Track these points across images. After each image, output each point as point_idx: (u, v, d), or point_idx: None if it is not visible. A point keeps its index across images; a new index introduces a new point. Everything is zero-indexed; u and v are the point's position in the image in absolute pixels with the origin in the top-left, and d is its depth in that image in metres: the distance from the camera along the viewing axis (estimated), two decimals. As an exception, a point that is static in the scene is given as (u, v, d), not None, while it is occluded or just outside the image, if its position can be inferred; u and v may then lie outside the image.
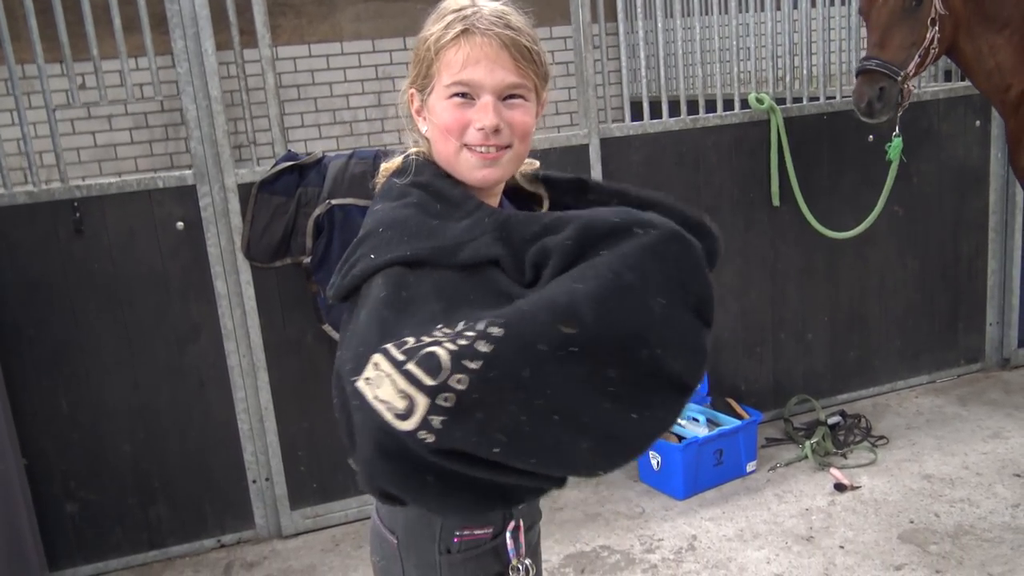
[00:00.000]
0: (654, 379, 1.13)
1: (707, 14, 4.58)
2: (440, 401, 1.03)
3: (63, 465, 3.10)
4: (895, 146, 3.41)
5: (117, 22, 3.06)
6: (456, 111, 1.26)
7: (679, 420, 3.55)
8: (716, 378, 3.84)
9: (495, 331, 1.05)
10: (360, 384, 1.07)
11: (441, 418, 1.03)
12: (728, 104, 3.82)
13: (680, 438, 3.43)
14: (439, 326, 1.08)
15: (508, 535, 1.37)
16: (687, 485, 3.36)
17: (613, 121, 3.69)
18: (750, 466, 3.52)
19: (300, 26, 6.14)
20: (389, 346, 1.07)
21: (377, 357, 1.07)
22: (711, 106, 3.81)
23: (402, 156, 1.37)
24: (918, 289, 4.19)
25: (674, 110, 3.76)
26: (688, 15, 4.97)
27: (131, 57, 3.16)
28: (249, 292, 3.16)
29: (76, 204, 2.97)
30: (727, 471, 3.46)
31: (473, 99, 1.26)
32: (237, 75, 3.23)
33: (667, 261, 1.18)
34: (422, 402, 1.03)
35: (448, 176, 1.31)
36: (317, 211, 3.06)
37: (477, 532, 1.34)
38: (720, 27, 3.92)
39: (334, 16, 6.21)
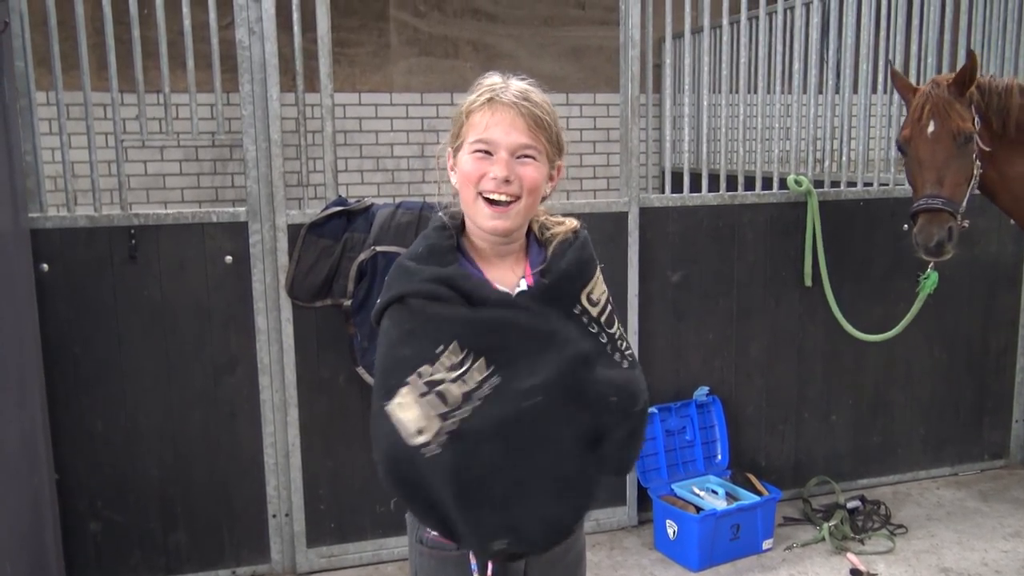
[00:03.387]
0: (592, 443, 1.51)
1: (752, 92, 4.70)
2: (449, 424, 1.43)
3: (92, 483, 3.17)
4: (932, 281, 3.37)
5: (190, 63, 3.21)
6: (476, 163, 1.52)
7: (698, 491, 3.57)
8: (737, 452, 3.86)
9: (495, 380, 1.45)
10: (391, 407, 1.47)
11: (446, 437, 1.43)
12: (767, 182, 3.90)
13: (698, 509, 3.44)
14: (440, 349, 1.45)
15: (471, 552, 1.56)
16: (702, 557, 3.36)
17: (652, 189, 3.78)
18: (766, 544, 3.51)
19: (353, 75, 6.36)
20: (412, 378, 1.46)
21: (404, 389, 1.46)
22: (750, 183, 3.89)
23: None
24: (944, 380, 4.19)
25: (713, 184, 3.85)
26: (734, 92, 5.09)
27: (181, 91, 3.29)
28: (288, 329, 3.24)
29: (133, 231, 3.09)
30: (743, 546, 3.45)
31: (492, 155, 1.51)
32: (297, 119, 3.36)
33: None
34: (435, 425, 1.43)
35: (449, 230, 1.58)
36: (361, 256, 3.15)
37: (442, 536, 1.57)
38: (764, 106, 4.01)
39: (387, 67, 6.43)
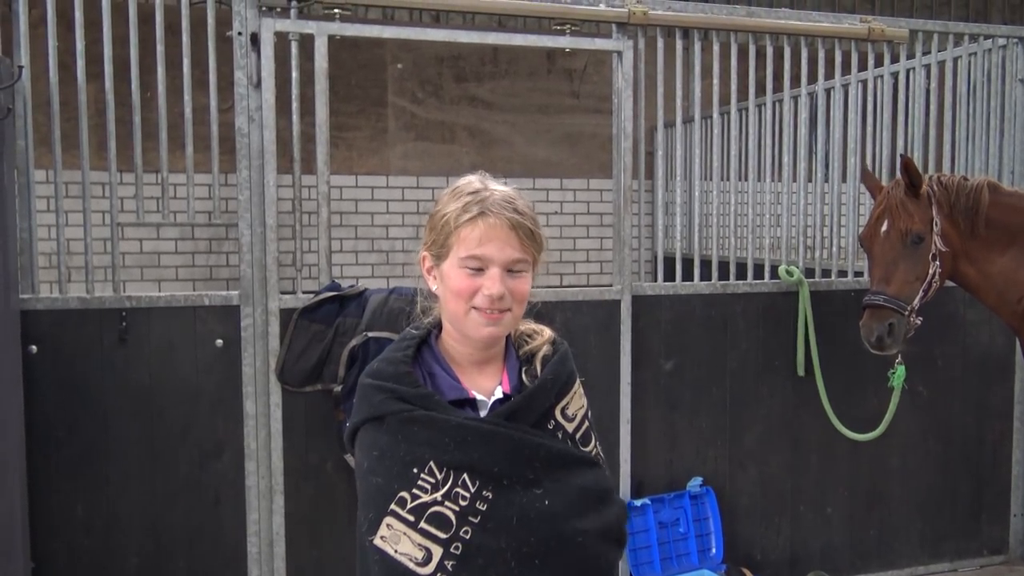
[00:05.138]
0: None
1: (743, 180, 4.77)
2: (452, 549, 1.38)
3: (70, 573, 3.07)
4: (899, 375, 3.41)
5: (189, 148, 3.25)
6: (468, 279, 1.48)
7: (692, 586, 3.47)
8: (732, 545, 3.77)
9: (487, 493, 1.41)
10: (378, 542, 1.41)
11: (452, 562, 1.38)
12: (758, 270, 3.93)
13: (692, 605, 3.35)
14: (416, 471, 1.41)
15: None
16: (696, 657, 3.25)
17: (645, 274, 3.80)
18: (762, 642, 3.41)
19: (351, 158, 6.45)
20: (394, 507, 1.40)
21: (388, 519, 1.40)
22: (741, 270, 3.91)
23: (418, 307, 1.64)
24: (941, 472, 4.14)
25: (705, 269, 3.87)
26: (725, 180, 5.18)
27: (179, 171, 3.32)
28: (277, 415, 3.20)
29: (124, 313, 3.08)
30: (738, 646, 3.35)
31: (483, 270, 1.47)
32: (293, 202, 3.38)
33: None
34: (437, 551, 1.38)
35: (410, 341, 1.55)
36: (353, 342, 3.14)
37: None
38: (755, 194, 4.07)
39: (384, 151, 6.52)
